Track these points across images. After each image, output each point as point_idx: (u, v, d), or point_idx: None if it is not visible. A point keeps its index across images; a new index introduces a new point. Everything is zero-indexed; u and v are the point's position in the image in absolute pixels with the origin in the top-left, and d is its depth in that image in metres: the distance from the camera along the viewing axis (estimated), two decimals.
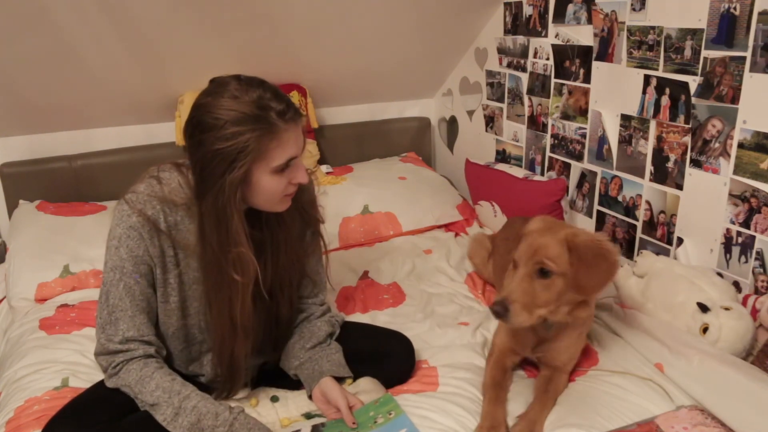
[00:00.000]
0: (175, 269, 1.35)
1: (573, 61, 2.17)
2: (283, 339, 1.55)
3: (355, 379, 1.52)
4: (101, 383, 1.37)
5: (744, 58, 1.59)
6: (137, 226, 1.29)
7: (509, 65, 2.52)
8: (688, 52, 1.74)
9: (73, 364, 1.62)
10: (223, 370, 1.42)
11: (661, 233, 1.94)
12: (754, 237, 1.65)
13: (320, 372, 1.46)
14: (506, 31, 2.49)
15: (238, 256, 1.31)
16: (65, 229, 2.13)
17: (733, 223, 1.70)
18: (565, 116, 2.26)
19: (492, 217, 2.49)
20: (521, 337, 1.55)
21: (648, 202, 1.97)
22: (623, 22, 1.93)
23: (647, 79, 1.89)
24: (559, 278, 1.38)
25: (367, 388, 1.48)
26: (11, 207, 2.34)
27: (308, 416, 1.45)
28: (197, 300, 1.39)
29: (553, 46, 2.24)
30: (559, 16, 2.19)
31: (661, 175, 1.91)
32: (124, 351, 1.31)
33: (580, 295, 1.41)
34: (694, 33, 1.71)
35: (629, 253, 2.07)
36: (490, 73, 2.66)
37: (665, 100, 1.84)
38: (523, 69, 2.44)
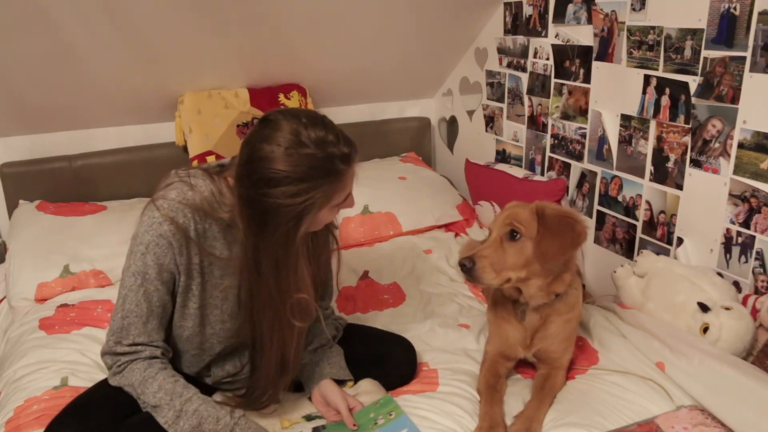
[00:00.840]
0: (198, 277, 1.33)
1: (573, 61, 2.17)
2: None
3: (356, 381, 1.52)
4: (103, 382, 1.36)
5: (744, 58, 1.59)
6: (168, 235, 1.25)
7: (509, 65, 2.52)
8: (688, 52, 1.74)
9: (73, 364, 1.62)
10: (262, 400, 1.41)
11: (661, 233, 1.94)
12: (754, 237, 1.65)
13: (320, 374, 1.46)
14: (506, 31, 2.49)
15: (298, 302, 1.29)
16: (65, 229, 2.13)
17: (733, 223, 1.70)
18: (565, 116, 2.26)
19: (492, 217, 2.49)
20: (511, 335, 1.57)
21: (648, 202, 1.97)
22: (623, 22, 1.93)
23: (647, 79, 1.89)
24: (528, 242, 1.45)
25: (367, 389, 1.49)
26: (11, 207, 2.33)
27: (309, 418, 1.45)
28: (218, 308, 1.38)
29: (553, 46, 2.24)
30: (559, 16, 2.19)
31: (661, 175, 1.91)
32: (130, 353, 1.30)
33: (541, 263, 1.45)
34: (694, 33, 1.71)
35: (629, 253, 2.07)
36: (490, 73, 2.66)
37: (665, 100, 1.84)
38: (523, 69, 2.44)
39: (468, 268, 1.43)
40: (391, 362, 1.58)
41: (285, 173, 1.17)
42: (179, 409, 1.26)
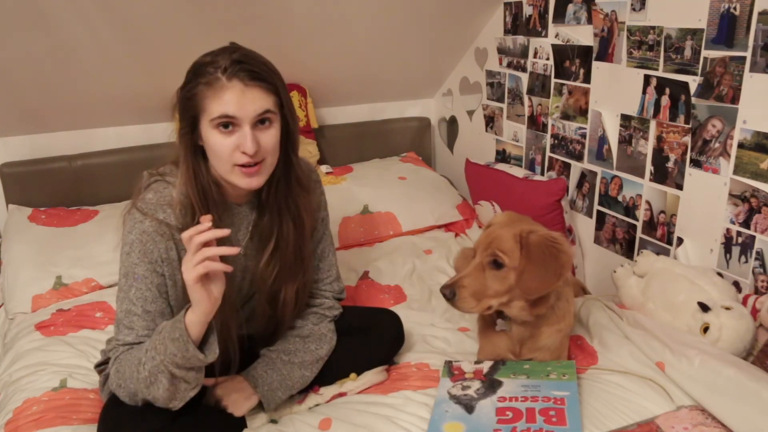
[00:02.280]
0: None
1: (573, 61, 2.17)
2: (284, 322, 1.53)
3: (358, 371, 1.56)
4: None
5: (744, 58, 1.59)
6: (150, 231, 1.28)
7: (509, 65, 2.52)
8: (688, 52, 1.74)
9: (71, 366, 1.62)
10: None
11: (661, 233, 1.94)
12: (754, 237, 1.65)
13: (264, 376, 1.44)
14: (506, 31, 2.49)
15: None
16: (56, 240, 2.12)
17: (733, 223, 1.70)
18: (565, 116, 2.26)
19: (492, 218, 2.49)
20: (499, 344, 1.57)
21: (648, 202, 1.97)
22: (623, 22, 1.93)
23: (647, 79, 1.89)
24: (511, 272, 1.42)
25: (369, 375, 1.56)
26: None
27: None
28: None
29: (553, 46, 2.24)
30: (559, 16, 2.19)
31: (661, 175, 1.91)
32: (117, 348, 1.31)
33: (525, 295, 1.43)
34: (694, 33, 1.71)
35: (629, 252, 2.07)
36: (490, 73, 2.66)
37: (665, 100, 1.84)
38: (523, 69, 2.44)
39: (449, 298, 1.43)
40: (379, 330, 1.62)
41: (185, 79, 1.30)
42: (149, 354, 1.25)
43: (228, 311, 1.35)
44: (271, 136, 1.29)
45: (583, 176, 2.23)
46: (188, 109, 1.29)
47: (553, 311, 1.51)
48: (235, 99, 1.24)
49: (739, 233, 1.69)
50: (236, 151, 1.26)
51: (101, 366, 1.47)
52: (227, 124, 1.25)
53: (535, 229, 1.46)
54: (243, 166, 1.28)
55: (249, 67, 1.25)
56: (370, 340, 1.60)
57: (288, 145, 1.38)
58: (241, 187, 1.32)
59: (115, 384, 1.30)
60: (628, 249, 2.08)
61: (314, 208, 1.54)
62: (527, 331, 1.53)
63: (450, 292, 1.43)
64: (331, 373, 1.54)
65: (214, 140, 1.27)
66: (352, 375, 1.55)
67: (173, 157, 1.38)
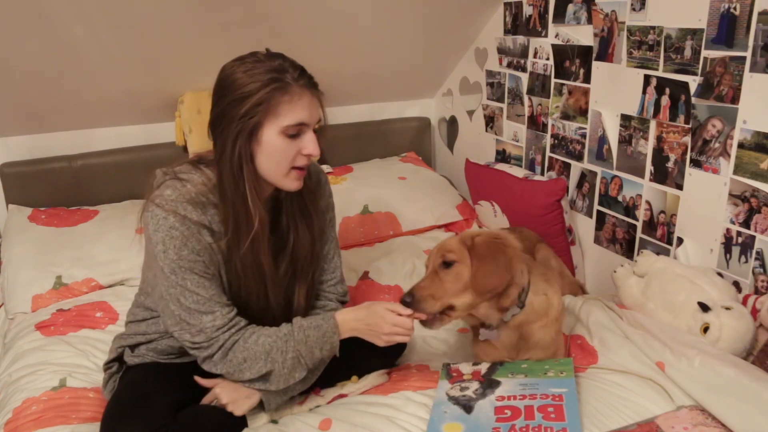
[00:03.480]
0: (217, 256, 1.34)
1: (573, 61, 2.17)
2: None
3: (360, 372, 1.56)
4: (128, 383, 1.38)
5: (744, 58, 1.59)
6: (177, 226, 1.27)
7: (509, 65, 2.52)
8: (688, 52, 1.74)
9: (71, 365, 1.62)
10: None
11: (661, 233, 1.94)
12: (754, 237, 1.65)
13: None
14: (506, 31, 2.49)
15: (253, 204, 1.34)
16: (57, 240, 2.12)
17: (733, 223, 1.70)
18: (565, 116, 2.26)
19: (492, 217, 2.49)
20: (496, 355, 1.57)
21: (648, 202, 1.97)
22: (623, 22, 1.93)
23: (647, 79, 1.89)
24: (463, 267, 1.46)
25: (370, 377, 1.56)
26: None
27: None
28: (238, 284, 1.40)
29: (553, 46, 2.24)
30: (559, 16, 2.19)
31: (661, 175, 1.91)
32: (218, 337, 1.31)
33: (485, 294, 1.46)
34: (694, 33, 1.71)
35: (629, 253, 2.07)
36: (490, 73, 2.66)
37: (665, 100, 1.84)
38: (523, 69, 2.44)
39: (408, 302, 1.44)
40: None
41: (239, 82, 1.27)
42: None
43: (255, 314, 1.37)
44: (317, 140, 1.37)
45: (583, 176, 2.23)
46: (255, 114, 1.27)
47: (531, 310, 1.52)
48: (307, 105, 1.33)
49: (739, 233, 1.69)
50: (298, 155, 1.34)
51: (110, 363, 1.47)
52: (298, 131, 1.31)
53: (480, 233, 1.53)
54: (299, 168, 1.35)
55: (311, 76, 1.36)
56: (373, 343, 1.58)
57: None
58: (289, 190, 1.38)
59: (241, 357, 1.33)
60: (628, 249, 2.08)
61: (323, 210, 1.55)
62: (515, 334, 1.54)
63: (409, 296, 1.45)
64: (332, 375, 1.54)
65: (279, 144, 1.31)
66: (354, 377, 1.55)
67: (186, 157, 1.40)
